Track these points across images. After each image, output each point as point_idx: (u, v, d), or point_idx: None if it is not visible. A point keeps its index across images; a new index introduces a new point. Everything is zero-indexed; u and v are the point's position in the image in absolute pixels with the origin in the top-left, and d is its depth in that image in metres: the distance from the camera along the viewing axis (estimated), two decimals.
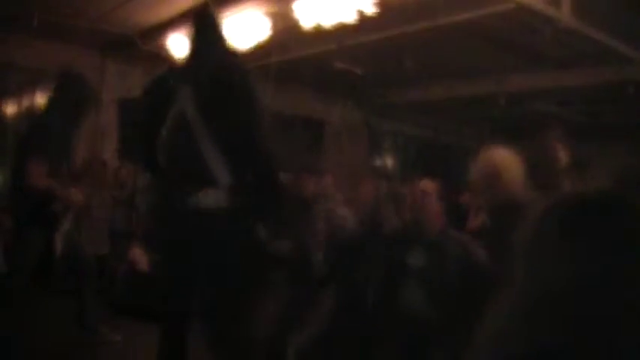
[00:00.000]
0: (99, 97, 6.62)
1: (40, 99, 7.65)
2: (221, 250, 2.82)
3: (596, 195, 0.73)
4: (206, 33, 3.14)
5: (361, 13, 5.29)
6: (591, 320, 0.61)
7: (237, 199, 2.85)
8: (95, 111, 6.02)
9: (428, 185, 4.01)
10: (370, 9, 5.24)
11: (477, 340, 0.69)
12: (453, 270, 3.56)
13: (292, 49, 6.97)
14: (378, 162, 11.74)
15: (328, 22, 5.46)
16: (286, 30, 5.97)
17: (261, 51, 6.08)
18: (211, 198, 2.83)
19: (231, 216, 2.85)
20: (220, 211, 2.84)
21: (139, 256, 6.47)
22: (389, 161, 12.07)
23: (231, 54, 3.33)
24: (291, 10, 5.52)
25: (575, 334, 0.61)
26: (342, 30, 5.61)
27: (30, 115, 7.38)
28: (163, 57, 7.23)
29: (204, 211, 2.83)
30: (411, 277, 3.66)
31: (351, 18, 5.35)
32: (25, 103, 8.09)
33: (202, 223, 2.84)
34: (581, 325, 0.61)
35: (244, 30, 6.05)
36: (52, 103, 4.58)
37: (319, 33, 5.73)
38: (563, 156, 4.21)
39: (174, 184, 2.97)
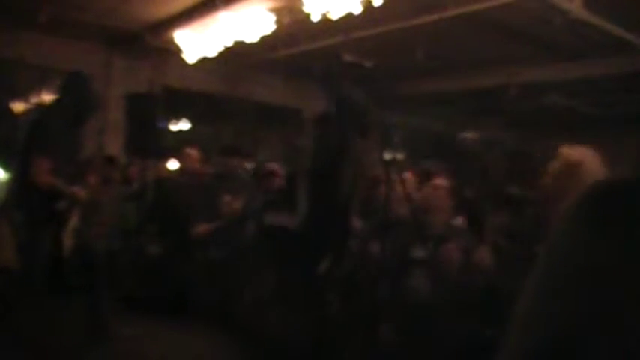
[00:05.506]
0: (102, 99, 6.57)
1: (48, 96, 7.66)
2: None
3: (626, 181, 0.69)
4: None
5: (369, 4, 5.23)
6: (615, 306, 0.58)
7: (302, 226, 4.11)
8: (98, 113, 6.00)
9: (439, 181, 4.12)
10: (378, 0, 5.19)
11: (508, 329, 0.67)
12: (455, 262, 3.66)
13: (300, 43, 6.93)
14: (388, 155, 11.70)
15: (336, 14, 5.40)
16: (294, 24, 5.93)
17: (268, 45, 6.05)
18: (283, 219, 4.31)
19: (294, 236, 4.15)
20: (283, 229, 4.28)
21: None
22: (399, 154, 12.03)
23: None
24: (301, 4, 5.46)
25: (597, 321, 0.58)
26: (350, 22, 5.57)
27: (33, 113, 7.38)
28: (170, 52, 7.23)
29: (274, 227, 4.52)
30: (415, 268, 3.84)
31: (358, 9, 5.30)
32: (34, 100, 8.09)
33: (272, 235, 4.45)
34: (604, 312, 0.58)
35: (251, 25, 6.02)
36: (55, 102, 4.57)
37: (327, 26, 5.69)
38: None
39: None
